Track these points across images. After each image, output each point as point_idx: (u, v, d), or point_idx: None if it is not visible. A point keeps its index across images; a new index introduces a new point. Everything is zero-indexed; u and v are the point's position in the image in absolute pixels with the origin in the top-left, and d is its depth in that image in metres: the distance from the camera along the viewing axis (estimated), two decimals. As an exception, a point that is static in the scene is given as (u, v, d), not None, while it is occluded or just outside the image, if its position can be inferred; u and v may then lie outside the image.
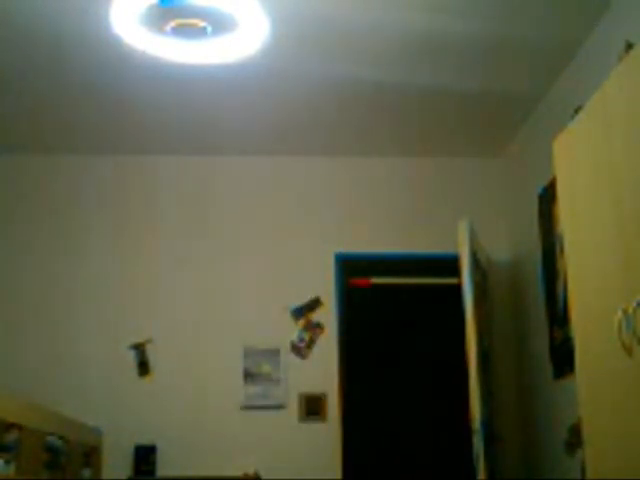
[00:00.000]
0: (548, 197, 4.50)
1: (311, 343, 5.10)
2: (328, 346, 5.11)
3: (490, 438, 4.33)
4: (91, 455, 4.56)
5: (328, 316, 5.16)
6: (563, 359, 4.26)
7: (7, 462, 3.26)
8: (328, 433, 4.95)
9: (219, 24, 3.81)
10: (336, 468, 4.89)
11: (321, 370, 5.06)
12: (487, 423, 4.31)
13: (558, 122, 4.28)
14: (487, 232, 5.26)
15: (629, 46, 3.32)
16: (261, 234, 5.30)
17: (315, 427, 4.97)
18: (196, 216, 5.31)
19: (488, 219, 5.33)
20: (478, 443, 4.11)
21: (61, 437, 3.96)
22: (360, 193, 5.41)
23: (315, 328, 5.13)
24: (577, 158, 2.98)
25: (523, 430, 4.99)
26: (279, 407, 4.99)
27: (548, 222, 4.53)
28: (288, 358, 5.06)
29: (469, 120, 4.96)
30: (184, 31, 3.87)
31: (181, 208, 5.32)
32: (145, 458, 4.82)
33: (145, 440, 4.88)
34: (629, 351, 2.52)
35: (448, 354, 5.81)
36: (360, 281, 6.02)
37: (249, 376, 5.01)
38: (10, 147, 5.25)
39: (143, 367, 5.01)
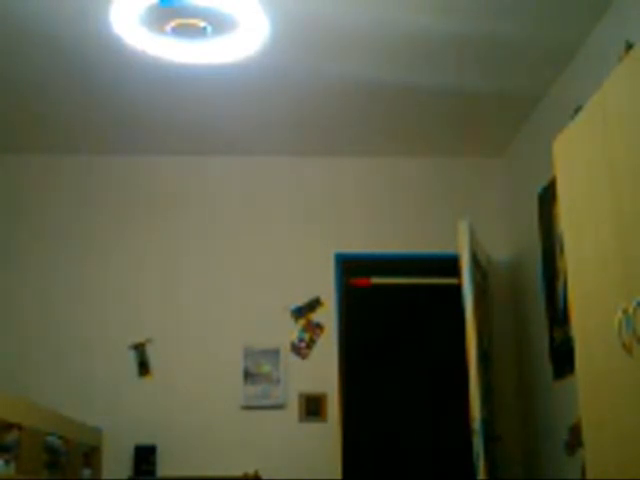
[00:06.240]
0: (548, 197, 4.50)
1: (311, 343, 5.10)
2: (328, 346, 5.10)
3: (490, 438, 4.33)
4: (91, 455, 4.56)
5: (328, 316, 5.16)
6: (563, 359, 4.26)
7: (7, 462, 3.26)
8: (328, 433, 4.95)
9: (219, 24, 3.81)
10: (336, 468, 4.88)
11: (321, 370, 5.06)
12: (487, 423, 4.31)
13: (558, 122, 4.28)
14: (487, 232, 5.26)
15: (629, 46, 3.32)
16: (261, 234, 5.30)
17: (315, 427, 4.96)
18: (196, 216, 5.31)
19: (488, 219, 5.33)
20: (478, 443, 4.11)
21: (61, 437, 3.96)
22: (360, 193, 5.41)
23: (315, 328, 5.12)
24: (577, 158, 2.98)
25: (523, 430, 4.99)
26: (279, 407, 4.99)
27: (548, 222, 4.53)
28: (288, 358, 5.06)
29: (469, 120, 4.96)
30: (184, 31, 3.87)
31: (181, 208, 5.32)
32: (145, 458, 4.82)
33: (145, 440, 4.88)
34: (629, 351, 2.52)
35: (448, 354, 5.83)
36: (360, 281, 6.03)
37: (249, 376, 5.01)
38: (10, 147, 5.25)
39: (143, 367, 5.01)
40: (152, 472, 4.80)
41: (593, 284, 2.83)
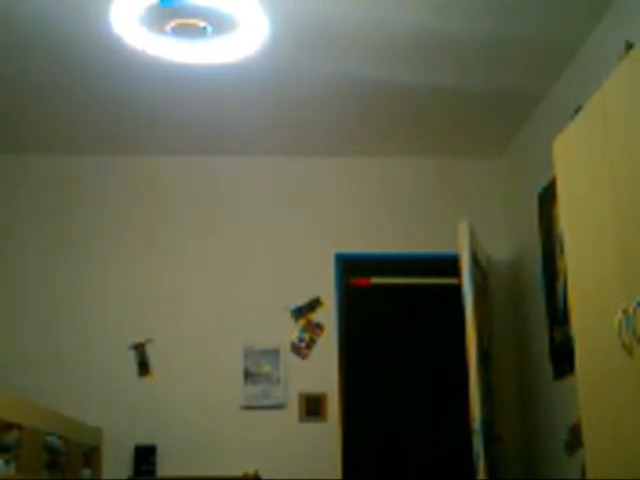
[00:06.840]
0: (548, 197, 4.50)
1: (311, 343, 5.10)
2: (328, 346, 5.10)
3: (490, 438, 4.33)
4: (91, 455, 4.56)
5: (328, 316, 5.16)
6: (563, 359, 4.26)
7: (7, 462, 3.26)
8: (328, 433, 4.95)
9: (219, 24, 3.81)
10: (336, 468, 4.89)
11: (321, 370, 5.06)
12: (487, 423, 4.31)
13: (558, 122, 4.28)
14: (487, 232, 5.26)
15: (629, 46, 3.32)
16: (261, 234, 5.30)
17: (315, 427, 4.96)
18: (196, 216, 5.30)
19: (488, 219, 5.33)
20: (478, 443, 4.11)
21: (61, 437, 3.96)
22: (360, 193, 5.41)
23: (315, 328, 5.13)
24: (577, 158, 2.98)
25: (523, 430, 4.99)
26: (279, 407, 4.99)
27: (548, 222, 4.53)
28: (288, 358, 5.06)
29: (469, 120, 4.96)
30: (184, 31, 3.87)
31: (181, 208, 5.32)
32: (145, 458, 4.82)
33: (145, 440, 4.88)
34: (629, 351, 2.52)
35: (448, 354, 5.82)
36: (360, 281, 6.03)
37: (249, 376, 5.01)
38: (10, 147, 5.25)
39: (143, 367, 5.01)
40: (152, 472, 4.81)
41: (593, 284, 2.83)
